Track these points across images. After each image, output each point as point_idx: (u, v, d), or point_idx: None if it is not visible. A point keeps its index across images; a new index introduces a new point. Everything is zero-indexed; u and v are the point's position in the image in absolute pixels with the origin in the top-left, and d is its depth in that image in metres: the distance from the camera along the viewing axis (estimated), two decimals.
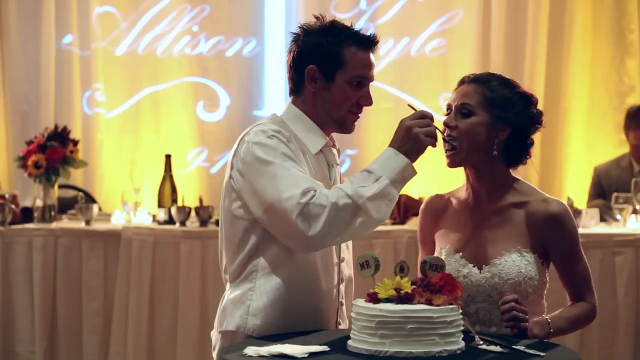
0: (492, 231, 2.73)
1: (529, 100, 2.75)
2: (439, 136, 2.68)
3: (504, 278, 2.66)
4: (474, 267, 2.72)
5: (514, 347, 2.39)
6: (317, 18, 2.73)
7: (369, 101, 2.73)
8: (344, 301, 2.75)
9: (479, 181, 2.76)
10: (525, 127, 2.73)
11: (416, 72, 6.72)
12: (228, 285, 2.74)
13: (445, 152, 2.75)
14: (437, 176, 6.50)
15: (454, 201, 2.84)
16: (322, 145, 2.71)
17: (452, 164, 2.75)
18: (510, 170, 2.79)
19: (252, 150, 2.59)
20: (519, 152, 2.76)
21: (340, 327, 2.76)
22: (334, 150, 2.78)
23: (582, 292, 2.76)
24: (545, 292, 2.76)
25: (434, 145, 2.59)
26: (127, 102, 6.80)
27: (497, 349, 2.38)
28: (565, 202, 2.80)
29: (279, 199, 2.49)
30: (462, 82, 2.79)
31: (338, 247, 2.72)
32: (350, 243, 2.82)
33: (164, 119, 6.79)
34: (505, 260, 2.68)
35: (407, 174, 2.57)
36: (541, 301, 2.74)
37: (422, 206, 2.94)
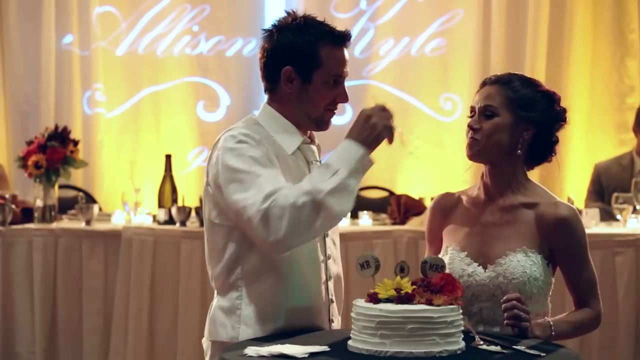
0: (500, 229, 2.73)
1: (551, 98, 2.75)
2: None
3: (509, 278, 2.66)
4: (478, 266, 2.71)
5: (514, 347, 2.39)
6: (288, 14, 2.69)
7: (345, 98, 2.71)
8: (334, 298, 2.73)
9: (494, 178, 2.76)
10: (549, 126, 2.73)
11: (416, 72, 6.72)
12: (215, 293, 2.74)
13: (467, 144, 2.74)
14: (437, 177, 6.50)
15: (464, 199, 2.84)
16: (297, 144, 2.67)
17: (471, 153, 2.73)
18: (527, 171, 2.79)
19: (222, 157, 2.57)
20: (544, 150, 2.76)
21: (334, 324, 2.74)
22: (314, 147, 2.74)
23: (587, 298, 2.75)
24: (550, 293, 2.75)
25: (390, 141, 2.55)
26: (127, 102, 6.80)
27: (498, 349, 2.38)
28: (566, 202, 2.79)
29: (244, 206, 2.48)
30: (484, 83, 2.78)
31: (323, 244, 2.70)
32: (337, 240, 2.79)
33: (164, 119, 6.80)
34: (510, 259, 2.67)
35: (365, 162, 2.53)
36: (545, 302, 2.73)
37: (431, 204, 2.94)
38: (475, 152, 2.73)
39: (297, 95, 2.65)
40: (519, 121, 2.70)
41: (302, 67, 2.62)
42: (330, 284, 2.72)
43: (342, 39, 2.66)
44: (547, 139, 2.75)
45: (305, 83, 2.63)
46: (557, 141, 2.78)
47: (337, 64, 2.66)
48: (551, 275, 2.74)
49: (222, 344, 2.63)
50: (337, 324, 2.77)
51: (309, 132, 2.75)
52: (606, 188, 5.54)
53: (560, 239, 2.70)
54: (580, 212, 4.77)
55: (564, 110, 2.78)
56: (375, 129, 2.52)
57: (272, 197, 2.46)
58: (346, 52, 2.68)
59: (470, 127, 2.74)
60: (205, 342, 2.74)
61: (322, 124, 2.71)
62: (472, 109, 2.77)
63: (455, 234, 2.81)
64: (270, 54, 2.66)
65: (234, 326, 2.63)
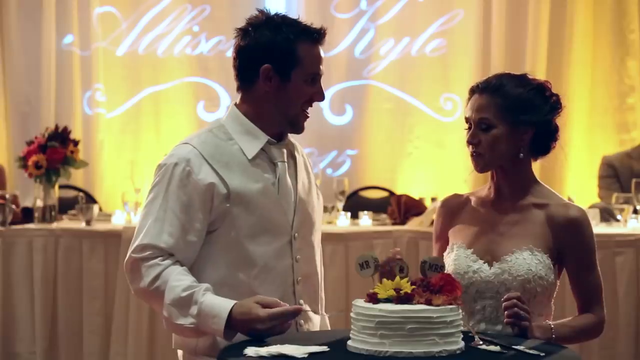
0: (508, 227, 2.73)
1: (543, 90, 2.73)
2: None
3: (514, 275, 2.66)
4: (484, 263, 2.71)
5: (514, 347, 2.39)
6: (261, 12, 2.67)
7: (322, 97, 2.68)
8: (302, 301, 2.67)
9: (505, 179, 2.75)
10: (547, 121, 2.72)
11: (417, 72, 6.72)
12: None
13: (471, 157, 2.73)
14: (438, 177, 6.50)
15: (472, 199, 2.83)
16: (258, 148, 2.64)
17: (478, 168, 2.74)
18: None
19: (154, 175, 2.65)
20: (546, 142, 2.75)
21: (303, 328, 2.69)
22: (283, 149, 2.69)
23: (591, 304, 2.73)
24: (554, 295, 2.75)
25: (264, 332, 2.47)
26: (127, 102, 6.81)
27: (497, 349, 2.38)
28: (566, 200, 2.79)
29: (137, 234, 2.59)
30: (473, 91, 2.75)
31: (289, 246, 2.66)
32: (315, 237, 2.75)
33: (165, 119, 6.80)
34: (516, 257, 2.67)
35: (214, 329, 2.49)
36: (549, 304, 2.72)
37: (439, 204, 2.93)
38: (482, 167, 2.72)
39: (274, 93, 2.62)
40: (516, 127, 2.68)
41: (281, 65, 2.60)
42: (298, 287, 2.68)
43: (319, 36, 2.64)
44: (547, 132, 2.74)
45: (284, 81, 2.61)
46: (557, 129, 2.76)
47: (315, 62, 2.64)
48: (556, 276, 2.73)
49: (194, 351, 2.64)
50: (314, 326, 2.73)
51: (279, 131, 2.69)
52: (621, 175, 5.53)
53: (569, 240, 2.69)
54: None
55: (557, 97, 2.75)
56: (250, 326, 2.45)
57: (162, 259, 2.54)
58: (322, 50, 2.66)
59: (469, 142, 2.73)
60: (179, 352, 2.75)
61: (297, 126, 2.67)
62: (467, 120, 2.75)
63: (462, 232, 2.81)
64: (247, 52, 2.63)
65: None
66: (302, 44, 2.61)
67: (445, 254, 2.80)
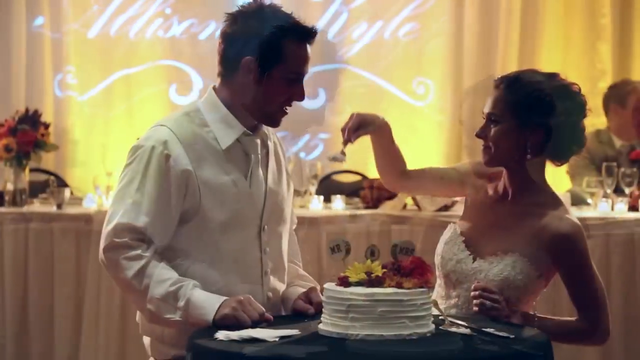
0: (502, 230, 2.72)
1: (561, 93, 2.67)
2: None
3: (489, 277, 2.66)
4: (470, 255, 2.72)
5: (483, 329, 2.40)
6: (254, 1, 2.63)
7: (301, 97, 2.63)
8: (270, 294, 2.68)
9: (510, 178, 2.74)
10: (562, 124, 2.66)
11: (389, 56, 6.71)
12: None
13: (482, 152, 2.73)
14: (410, 160, 6.50)
15: (492, 185, 2.81)
16: (233, 138, 2.61)
17: (485, 162, 2.74)
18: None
19: (127, 155, 2.61)
20: (563, 146, 2.70)
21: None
22: (257, 140, 2.66)
23: (587, 315, 2.70)
24: (534, 303, 2.73)
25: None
26: (99, 85, 6.75)
27: (467, 331, 2.39)
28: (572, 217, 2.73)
29: (112, 216, 2.56)
30: (494, 85, 2.73)
31: (258, 238, 2.66)
32: (283, 229, 2.75)
33: (137, 102, 6.75)
34: (498, 261, 2.67)
35: (199, 321, 2.48)
36: (524, 308, 2.70)
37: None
38: (488, 160, 2.72)
39: (254, 87, 2.59)
40: (522, 125, 2.66)
41: (263, 59, 2.56)
42: (266, 279, 2.68)
43: (307, 35, 2.60)
44: (562, 135, 2.67)
45: (264, 76, 2.57)
46: (579, 132, 2.70)
47: (299, 62, 2.60)
48: (540, 286, 2.72)
49: (161, 338, 2.64)
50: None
51: (255, 122, 2.67)
52: (596, 159, 5.55)
53: (557, 254, 2.67)
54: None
55: (580, 103, 2.69)
56: (235, 317, 2.44)
57: (143, 250, 2.52)
58: (309, 49, 2.61)
59: (476, 135, 2.73)
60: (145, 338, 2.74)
61: (273, 121, 2.65)
62: (483, 115, 2.74)
63: (465, 213, 2.82)
64: (232, 40, 2.61)
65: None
66: (289, 41, 2.57)
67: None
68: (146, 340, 2.73)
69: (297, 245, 2.91)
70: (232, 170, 2.61)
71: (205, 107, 2.65)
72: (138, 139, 2.66)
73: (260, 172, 2.67)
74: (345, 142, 2.82)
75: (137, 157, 2.59)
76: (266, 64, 2.57)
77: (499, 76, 2.75)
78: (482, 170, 2.82)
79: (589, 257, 2.70)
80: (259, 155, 2.66)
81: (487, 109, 2.72)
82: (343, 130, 2.81)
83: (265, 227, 2.66)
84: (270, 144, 2.73)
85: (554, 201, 2.74)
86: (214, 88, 2.69)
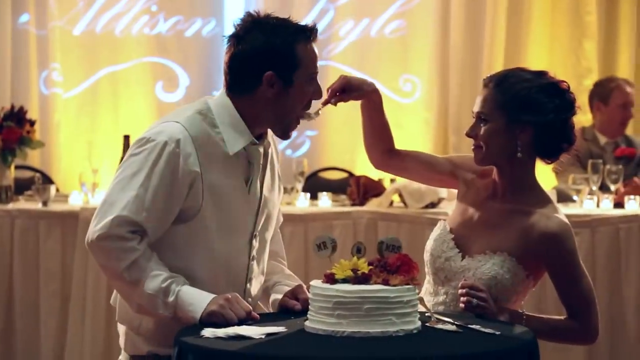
0: (491, 229, 2.72)
1: (550, 90, 2.67)
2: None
3: (477, 276, 2.66)
4: (459, 253, 2.72)
5: (470, 326, 2.41)
6: (249, 14, 2.60)
7: (320, 94, 2.63)
8: (250, 300, 2.66)
9: (500, 177, 2.74)
10: (550, 121, 2.66)
11: (376, 53, 6.72)
12: None
13: (473, 151, 2.74)
14: None
15: (481, 183, 2.81)
16: (242, 145, 2.59)
17: (477, 162, 2.74)
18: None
19: (133, 145, 2.56)
20: (553, 144, 2.70)
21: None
22: (260, 149, 2.64)
23: (576, 314, 2.70)
24: (522, 302, 2.74)
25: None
26: (85, 82, 6.73)
27: (454, 328, 2.40)
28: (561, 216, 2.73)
29: (108, 205, 2.52)
30: (483, 84, 2.73)
31: (249, 245, 2.65)
32: (268, 236, 2.74)
33: (123, 99, 6.74)
34: (487, 260, 2.67)
35: (187, 317, 2.48)
36: (512, 307, 2.70)
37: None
38: (479, 159, 2.72)
39: (275, 99, 2.57)
40: (511, 124, 2.66)
41: (283, 69, 2.54)
42: (249, 286, 2.68)
43: (313, 33, 2.60)
44: (552, 133, 2.68)
45: (287, 86, 2.56)
46: (569, 131, 2.70)
47: (313, 61, 2.59)
48: (528, 285, 2.72)
49: (137, 330, 2.65)
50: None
51: (261, 132, 2.65)
52: (579, 155, 5.57)
53: (545, 254, 2.66)
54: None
55: (569, 100, 2.69)
56: (222, 316, 2.44)
57: (138, 242, 2.50)
58: (315, 47, 2.61)
59: (466, 135, 2.73)
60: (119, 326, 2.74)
61: (287, 133, 2.64)
62: (473, 114, 2.74)
63: (455, 211, 2.82)
64: (245, 59, 2.57)
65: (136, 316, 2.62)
66: (300, 45, 2.56)
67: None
68: (121, 329, 2.71)
69: (282, 244, 2.91)
70: (235, 176, 2.60)
71: (216, 109, 2.61)
72: (146, 131, 2.61)
73: (258, 181, 2.66)
74: (325, 103, 2.70)
75: (146, 149, 2.53)
76: (286, 73, 2.55)
77: (488, 75, 2.76)
78: (474, 165, 2.81)
79: (577, 256, 2.70)
80: (260, 165, 2.66)
81: (476, 108, 2.72)
82: (327, 90, 2.74)
83: (257, 234, 2.67)
84: (268, 149, 2.71)
85: (544, 200, 2.74)
86: (227, 93, 2.63)
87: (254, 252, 2.67)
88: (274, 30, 2.56)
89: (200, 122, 2.58)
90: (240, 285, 2.65)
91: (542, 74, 2.72)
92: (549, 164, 2.77)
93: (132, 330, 2.66)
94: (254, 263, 2.68)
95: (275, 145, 2.80)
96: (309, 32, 2.59)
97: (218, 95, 2.66)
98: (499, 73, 2.75)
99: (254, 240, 2.66)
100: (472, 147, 2.74)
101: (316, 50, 2.61)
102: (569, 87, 2.72)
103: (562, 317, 2.74)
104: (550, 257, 2.67)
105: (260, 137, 2.65)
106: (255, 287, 2.71)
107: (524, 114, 2.65)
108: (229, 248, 2.61)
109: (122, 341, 2.72)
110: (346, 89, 2.75)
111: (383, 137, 2.89)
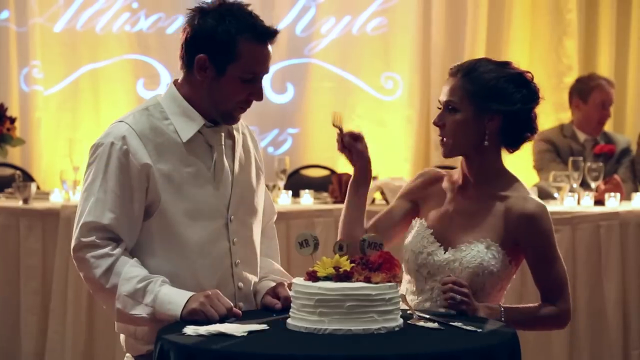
0: (469, 216, 2.74)
1: (518, 81, 2.71)
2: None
3: (464, 265, 2.67)
4: (440, 246, 2.73)
5: (451, 324, 2.42)
6: (213, 2, 2.60)
7: (259, 97, 2.61)
8: (241, 284, 2.67)
9: (469, 167, 2.76)
10: (517, 111, 2.69)
11: (358, 51, 6.73)
12: None
13: (440, 144, 2.75)
14: (379, 155, 6.51)
15: (445, 180, 2.84)
16: (194, 130, 2.60)
17: (443, 153, 2.76)
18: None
19: (88, 154, 2.62)
20: (518, 133, 2.74)
21: (242, 309, 2.64)
22: (222, 132, 2.65)
23: (551, 296, 2.73)
24: (507, 286, 2.76)
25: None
26: (65, 80, 6.71)
27: (435, 325, 2.40)
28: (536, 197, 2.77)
29: (81, 215, 2.57)
30: (449, 74, 2.76)
31: (226, 230, 2.65)
32: (254, 220, 2.74)
33: (104, 96, 6.72)
34: (471, 248, 2.68)
35: (167, 316, 2.48)
36: (498, 295, 2.74)
37: (420, 172, 2.94)
38: (447, 152, 2.74)
39: (208, 84, 2.58)
40: (480, 113, 2.68)
41: (217, 58, 2.55)
42: (237, 270, 2.68)
43: (265, 36, 2.57)
44: (518, 123, 2.71)
45: (219, 75, 2.56)
46: (532, 120, 2.74)
47: (255, 61, 2.57)
48: (511, 272, 2.75)
49: (134, 335, 2.65)
50: (251, 307, 2.71)
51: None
52: (562, 153, 5.59)
53: (524, 234, 2.69)
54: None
55: (533, 89, 2.73)
56: (203, 313, 2.44)
57: (112, 248, 2.53)
58: (270, 49, 2.59)
59: (434, 124, 2.74)
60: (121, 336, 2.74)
61: (230, 118, 2.64)
62: (440, 103, 2.75)
63: (428, 210, 2.83)
64: (189, 37, 2.59)
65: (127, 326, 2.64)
66: (245, 41, 2.55)
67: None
68: (122, 337, 2.73)
69: (276, 240, 2.91)
70: (193, 162, 2.61)
71: (165, 101, 2.65)
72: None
73: (226, 163, 2.66)
74: (336, 127, 2.83)
75: (97, 155, 2.60)
76: (219, 61, 2.56)
77: (454, 65, 2.78)
78: (432, 177, 2.87)
79: (553, 237, 2.74)
80: (223, 147, 2.65)
81: (444, 97, 2.74)
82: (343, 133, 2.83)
83: (232, 217, 2.66)
84: (238, 135, 2.71)
85: (516, 184, 2.78)
86: (175, 82, 2.68)
87: (233, 236, 2.66)
88: (222, 18, 2.56)
89: (147, 117, 2.61)
90: (227, 271, 2.65)
91: (507, 64, 2.76)
92: (511, 152, 2.80)
93: (130, 336, 2.68)
94: (238, 247, 2.67)
95: (252, 134, 2.81)
96: (261, 33, 2.57)
97: (167, 89, 2.69)
98: (467, 63, 2.77)
99: (230, 224, 2.66)
100: (440, 139, 2.75)
101: (267, 54, 2.59)
102: (532, 77, 2.76)
103: (537, 304, 2.76)
104: (528, 238, 2.70)
105: (217, 121, 2.65)
106: (246, 272, 2.69)
107: (493, 103, 2.68)
108: (201, 234, 2.61)
109: (124, 345, 2.74)
110: (358, 140, 2.86)
111: (362, 217, 2.89)
